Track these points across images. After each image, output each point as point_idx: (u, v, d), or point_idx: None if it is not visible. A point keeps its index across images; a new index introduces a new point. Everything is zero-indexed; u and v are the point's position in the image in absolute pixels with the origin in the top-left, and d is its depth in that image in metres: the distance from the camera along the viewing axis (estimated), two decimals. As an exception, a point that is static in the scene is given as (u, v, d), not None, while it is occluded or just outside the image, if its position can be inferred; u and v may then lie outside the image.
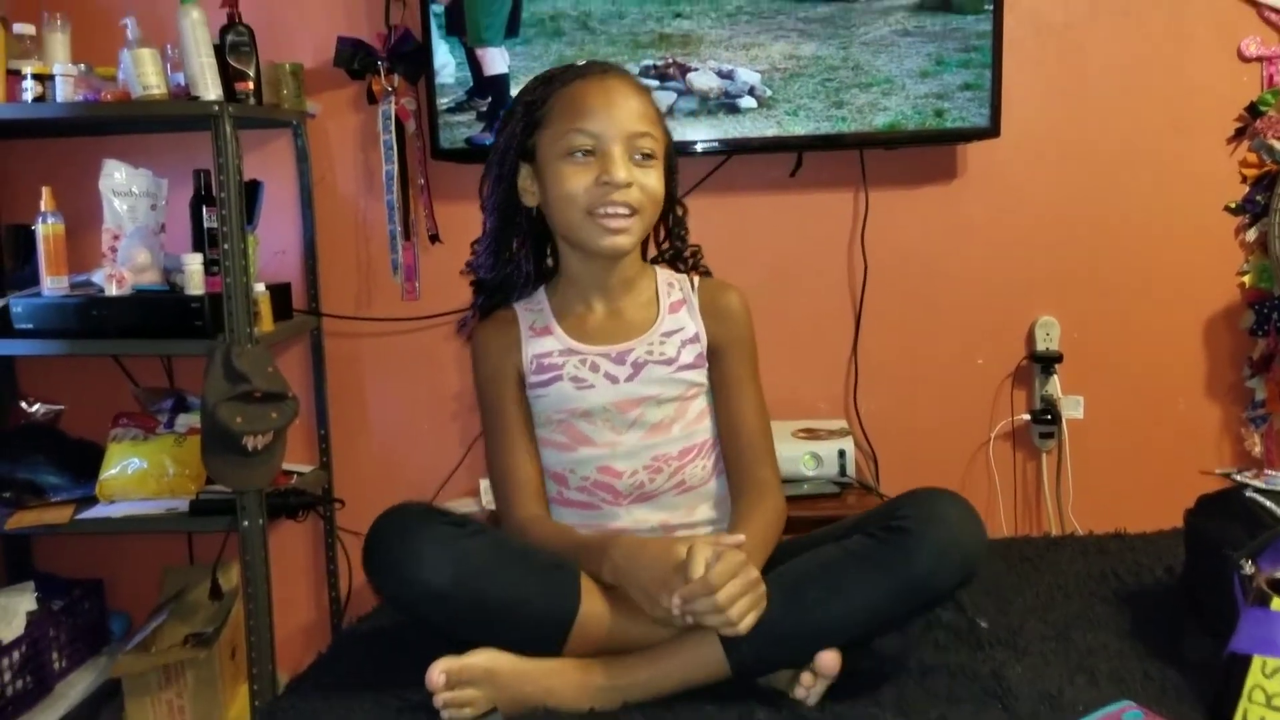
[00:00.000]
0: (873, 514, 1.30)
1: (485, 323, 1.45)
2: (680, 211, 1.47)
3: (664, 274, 1.47)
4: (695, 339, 1.42)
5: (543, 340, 1.41)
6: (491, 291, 1.45)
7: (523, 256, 1.44)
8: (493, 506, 2.02)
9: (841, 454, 2.00)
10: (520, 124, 1.38)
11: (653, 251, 1.50)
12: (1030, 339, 2.25)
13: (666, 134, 1.40)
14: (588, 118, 1.32)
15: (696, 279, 1.47)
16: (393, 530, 1.24)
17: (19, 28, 1.98)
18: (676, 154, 1.45)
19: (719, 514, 1.44)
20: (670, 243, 1.48)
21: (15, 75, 1.93)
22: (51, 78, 1.92)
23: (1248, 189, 2.19)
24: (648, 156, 1.34)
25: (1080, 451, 2.24)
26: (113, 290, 1.97)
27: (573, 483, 1.41)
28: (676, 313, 1.43)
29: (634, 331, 1.41)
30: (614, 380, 1.38)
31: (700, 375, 1.42)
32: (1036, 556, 1.60)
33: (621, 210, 1.32)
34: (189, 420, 2.13)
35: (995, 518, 2.28)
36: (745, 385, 1.43)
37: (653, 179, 1.35)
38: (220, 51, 1.95)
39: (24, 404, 2.27)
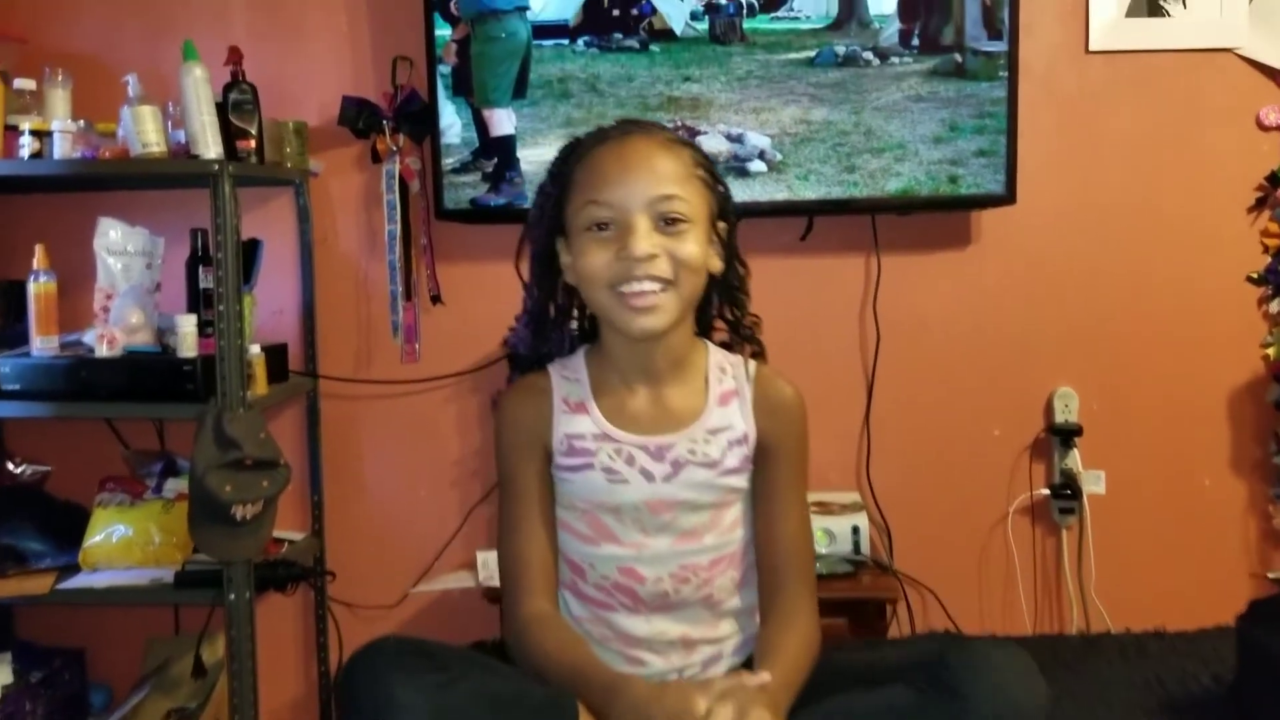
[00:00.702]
0: (914, 656, 1.17)
1: (515, 389, 1.33)
2: (741, 273, 1.32)
3: (716, 355, 1.32)
4: (743, 440, 1.28)
5: (577, 419, 1.27)
6: (528, 366, 1.34)
7: (565, 333, 1.33)
8: (489, 583, 1.97)
9: (855, 530, 1.92)
10: (550, 198, 1.28)
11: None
12: (1048, 410, 2.18)
13: (709, 190, 1.26)
14: (604, 187, 1.21)
15: (753, 366, 1.32)
16: (367, 678, 1.11)
17: (19, 83, 1.95)
18: (734, 210, 1.30)
19: (744, 628, 1.32)
20: (729, 309, 1.33)
21: (13, 130, 1.90)
22: (49, 134, 1.89)
23: (1269, 259, 2.14)
24: (679, 220, 1.20)
25: (1102, 528, 2.16)
26: (103, 351, 1.92)
27: (590, 578, 1.28)
28: (726, 405, 1.29)
29: (677, 423, 1.27)
30: (650, 477, 1.25)
31: (743, 480, 1.29)
32: (1074, 660, 1.50)
33: (648, 285, 1.19)
34: (178, 485, 2.06)
35: (1014, 595, 2.20)
36: (790, 495, 1.30)
37: (688, 245, 1.21)
38: (223, 109, 1.93)
39: (10, 465, 2.20)
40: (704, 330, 1.35)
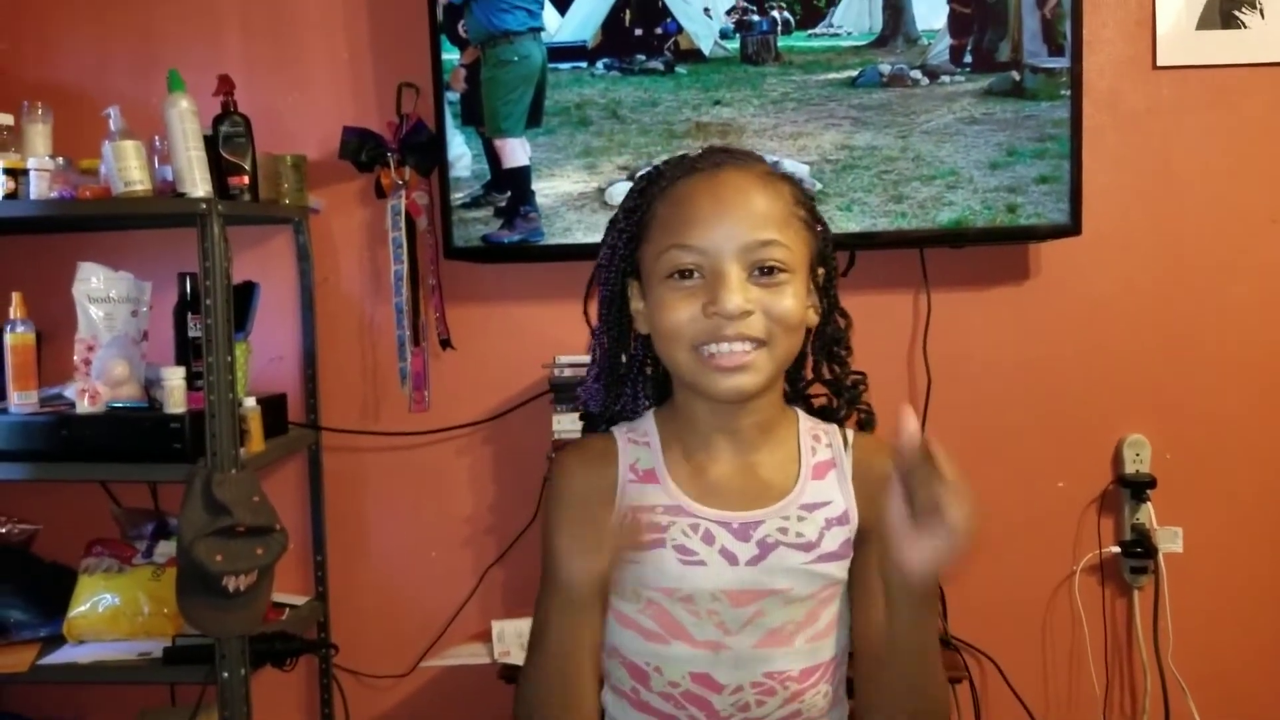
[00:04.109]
0: None
1: (572, 453, 1.15)
2: (842, 325, 1.13)
3: (807, 422, 1.15)
4: (844, 519, 1.09)
5: (647, 490, 1.10)
6: (604, 426, 1.16)
7: (640, 388, 1.16)
8: (505, 659, 1.81)
9: (910, 601, 1.73)
10: (623, 236, 1.11)
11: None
12: (1118, 460, 2.01)
13: (810, 233, 1.09)
14: (690, 229, 1.04)
15: (850, 435, 1.14)
16: None
17: (-5, 118, 1.83)
18: (833, 252, 1.13)
19: None
20: (828, 367, 1.15)
21: (-12, 169, 1.78)
22: (25, 172, 1.77)
23: (1361, 292, 1.96)
24: (776, 270, 1.04)
25: (1180, 590, 1.98)
26: (85, 407, 1.81)
27: (656, 685, 1.09)
28: (821, 478, 1.10)
29: (765, 497, 1.09)
30: (732, 560, 1.06)
31: (843, 569, 1.09)
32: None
33: (738, 346, 1.03)
34: (170, 549, 1.94)
35: (1083, 663, 2.03)
36: None
37: (786, 299, 1.04)
38: (214, 143, 1.82)
39: (-7, 523, 2.07)
40: (795, 393, 1.17)
